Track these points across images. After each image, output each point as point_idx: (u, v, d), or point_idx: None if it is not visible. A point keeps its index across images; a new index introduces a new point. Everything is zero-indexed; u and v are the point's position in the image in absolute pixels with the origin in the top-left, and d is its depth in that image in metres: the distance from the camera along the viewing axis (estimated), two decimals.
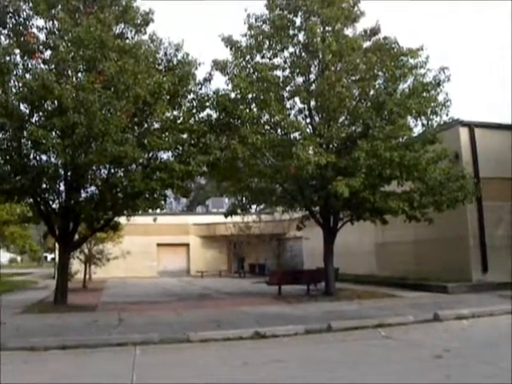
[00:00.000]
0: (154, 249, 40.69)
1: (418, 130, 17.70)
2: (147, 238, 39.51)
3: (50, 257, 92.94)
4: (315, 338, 11.00)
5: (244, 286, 26.16)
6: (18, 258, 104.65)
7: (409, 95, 16.78)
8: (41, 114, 14.29)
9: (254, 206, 21.45)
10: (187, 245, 42.13)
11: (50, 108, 14.02)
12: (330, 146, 16.79)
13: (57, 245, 17.43)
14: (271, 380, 7.46)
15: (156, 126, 16.09)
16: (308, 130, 16.68)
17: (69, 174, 15.50)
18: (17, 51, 15.11)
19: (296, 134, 16.52)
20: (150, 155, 15.56)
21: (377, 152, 14.89)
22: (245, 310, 14.99)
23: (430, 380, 7.20)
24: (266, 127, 17.08)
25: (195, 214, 51.96)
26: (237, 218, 38.87)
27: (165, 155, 16.27)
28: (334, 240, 18.81)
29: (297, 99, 18.24)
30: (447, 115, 16.68)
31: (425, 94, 17.14)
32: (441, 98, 17.09)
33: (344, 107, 16.27)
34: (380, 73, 17.59)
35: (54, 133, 13.45)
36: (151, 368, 8.36)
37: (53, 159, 14.20)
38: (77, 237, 17.86)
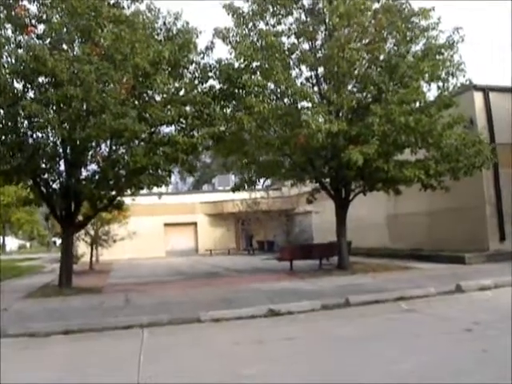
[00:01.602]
0: (162, 229, 40.16)
1: (431, 94, 16.91)
2: (154, 218, 38.99)
3: (58, 242, 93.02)
4: (333, 313, 10.40)
5: (254, 263, 25.60)
6: (28, 244, 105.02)
7: (422, 57, 15.93)
8: (35, 88, 13.53)
9: (261, 181, 20.53)
10: (195, 223, 41.58)
11: (44, 82, 13.25)
12: (340, 113, 15.99)
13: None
14: (288, 360, 6.85)
15: (157, 98, 15.36)
16: (316, 98, 15.83)
17: (68, 151, 14.82)
18: (8, 26, 14.36)
19: (304, 102, 15.73)
20: (152, 129, 14.85)
21: (391, 117, 14.10)
22: (256, 286, 14.39)
23: (465, 355, 6.56)
24: (273, 96, 16.29)
25: (202, 192, 51.31)
26: (244, 195, 38.65)
27: (168, 129, 15.64)
28: (346, 212, 18.13)
29: (303, 67, 17.46)
30: (464, 77, 15.81)
31: (438, 57, 16.30)
32: (455, 59, 16.25)
33: (354, 71, 15.46)
34: (390, 35, 16.74)
35: (49, 107, 12.72)
36: (159, 351, 7.76)
37: (50, 137, 13.49)
38: (80, 218, 17.24)
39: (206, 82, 16.30)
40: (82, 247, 26.40)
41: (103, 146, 15.53)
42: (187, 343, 8.31)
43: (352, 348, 7.34)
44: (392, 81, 15.18)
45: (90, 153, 15.11)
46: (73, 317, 10.43)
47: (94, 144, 14.94)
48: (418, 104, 15.73)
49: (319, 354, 7.12)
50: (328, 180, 18.32)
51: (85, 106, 12.57)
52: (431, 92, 16.80)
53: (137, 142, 14.57)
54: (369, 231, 27.30)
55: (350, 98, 15.22)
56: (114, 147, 15.34)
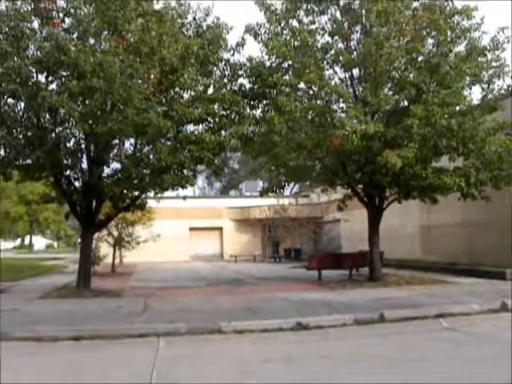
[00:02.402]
0: (187, 233, 39.56)
1: (474, 97, 15.93)
2: (179, 222, 38.41)
3: None
4: (366, 329, 9.50)
5: (280, 271, 24.76)
6: (55, 244, 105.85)
7: (464, 58, 14.99)
8: (57, 80, 12.98)
9: (291, 185, 19.73)
10: (220, 229, 40.87)
11: (66, 73, 12.68)
12: (376, 115, 15.08)
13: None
14: (322, 381, 6.02)
15: (185, 95, 14.72)
16: (351, 99, 14.92)
17: (91, 148, 14.26)
18: (35, 20, 13.91)
19: (338, 104, 14.88)
20: (178, 127, 14.16)
21: (432, 119, 13.17)
22: (282, 296, 13.56)
23: None
24: (305, 96, 15.49)
25: (228, 197, 50.66)
26: (272, 201, 37.85)
27: (194, 128, 14.94)
28: (379, 221, 17.19)
29: (337, 68, 16.63)
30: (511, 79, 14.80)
31: (481, 59, 15.34)
32: (500, 61, 15.25)
33: (393, 70, 14.55)
34: (430, 35, 15.80)
35: (70, 100, 12.11)
36: (175, 364, 7.00)
37: (72, 131, 12.90)
38: (102, 217, 16.65)
39: (236, 80, 15.59)
40: (104, 248, 25.83)
41: (127, 143, 14.97)
42: (206, 357, 7.52)
43: (395, 371, 6.45)
44: (432, 81, 14.22)
45: (114, 151, 14.55)
46: (86, 321, 9.76)
47: (117, 141, 14.39)
48: (459, 107, 14.76)
49: (359, 377, 6.25)
50: (361, 186, 17.44)
51: (108, 99, 11.93)
52: (473, 95, 15.88)
53: (162, 139, 13.89)
54: (399, 242, 26.15)
55: (387, 99, 14.33)
56: (138, 145, 14.74)
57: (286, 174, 17.70)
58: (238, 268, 28.16)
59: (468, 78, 15.15)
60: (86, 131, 12.24)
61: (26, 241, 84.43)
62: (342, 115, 13.43)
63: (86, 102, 12.10)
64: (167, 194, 31.60)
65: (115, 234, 25.90)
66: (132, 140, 14.76)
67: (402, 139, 13.83)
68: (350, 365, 6.92)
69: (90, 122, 12.03)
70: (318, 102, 15.34)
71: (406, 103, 14.88)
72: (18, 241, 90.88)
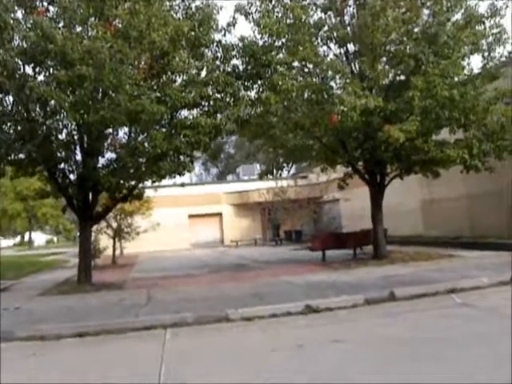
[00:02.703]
0: (186, 220, 39.27)
1: (473, 67, 15.55)
2: (178, 210, 38.10)
3: None
4: (377, 309, 9.26)
5: (282, 254, 24.50)
6: (55, 239, 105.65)
7: (462, 27, 14.59)
8: (45, 70, 12.53)
9: (289, 166, 19.36)
10: (220, 214, 40.56)
11: (53, 63, 12.23)
12: (374, 90, 14.69)
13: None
14: (340, 371, 5.74)
15: (177, 80, 14.31)
16: (348, 74, 14.51)
17: (84, 139, 13.89)
18: (19, 11, 13.44)
19: (335, 80, 14.48)
20: (172, 112, 13.76)
21: (433, 90, 12.81)
22: (288, 279, 13.30)
23: None
24: (301, 74, 15.07)
25: (226, 182, 50.29)
26: (270, 184, 37.52)
27: (188, 113, 14.55)
28: (382, 198, 16.90)
29: (331, 45, 16.20)
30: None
31: (479, 27, 14.93)
32: (499, 28, 14.84)
33: (390, 42, 14.15)
34: (426, 6, 15.38)
35: (59, 89, 11.70)
36: (184, 357, 6.74)
37: (63, 122, 12.51)
38: (99, 209, 16.32)
39: (229, 61, 15.18)
40: (104, 240, 25.53)
41: (121, 133, 14.60)
42: (215, 347, 7.26)
43: (412, 353, 6.20)
44: (431, 52, 13.82)
45: (108, 140, 14.18)
46: (89, 317, 9.47)
47: (110, 130, 14.01)
48: (460, 77, 14.39)
49: (375, 363, 5.97)
50: (361, 163, 17.13)
51: (98, 87, 11.54)
52: (473, 64, 15.49)
53: (156, 126, 13.52)
54: (401, 218, 25.92)
55: (386, 73, 13.97)
56: (132, 134, 14.38)
57: (284, 155, 17.37)
58: (239, 253, 27.91)
59: (467, 48, 14.76)
60: (77, 121, 11.84)
61: (26, 237, 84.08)
62: (340, 91, 13.01)
63: (76, 91, 11.66)
64: (164, 182, 31.44)
65: (114, 225, 25.57)
66: (126, 129, 14.41)
67: (403, 113, 13.48)
68: (365, 349, 6.66)
69: (81, 111, 11.62)
70: (314, 79, 14.93)
71: (404, 76, 14.47)
72: (18, 238, 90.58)
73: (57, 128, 12.04)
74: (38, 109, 13.09)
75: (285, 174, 52.60)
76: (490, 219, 20.45)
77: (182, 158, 13.80)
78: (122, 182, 14.27)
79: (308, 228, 37.91)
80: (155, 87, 13.22)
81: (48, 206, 58.71)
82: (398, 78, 14.65)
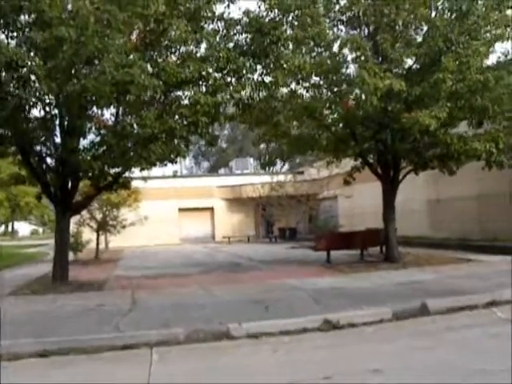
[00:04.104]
0: (176, 214, 37.48)
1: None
2: (168, 203, 36.30)
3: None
4: (409, 326, 7.65)
5: (278, 253, 22.85)
6: (40, 230, 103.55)
7: (493, 8, 12.98)
8: (17, 30, 10.64)
9: (294, 157, 17.69)
10: (211, 209, 38.79)
11: (27, 21, 10.42)
12: (395, 71, 13.05)
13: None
14: None
15: (174, 52, 12.62)
16: (369, 51, 12.79)
17: (65, 116, 12.11)
18: None
19: (354, 59, 12.79)
20: (167, 91, 12.02)
21: (466, 73, 11.20)
22: (293, 283, 11.64)
23: None
24: (314, 51, 13.37)
25: (219, 175, 48.58)
26: (265, 178, 35.83)
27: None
28: (395, 195, 15.26)
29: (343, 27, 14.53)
30: None
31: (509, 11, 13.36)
32: None
33: (416, 19, 12.51)
34: None
35: (33, 53, 9.95)
36: None
37: (37, 93, 10.65)
38: (80, 199, 14.58)
39: (232, 38, 13.46)
40: (87, 233, 23.77)
41: (107, 113, 12.87)
42: (215, 377, 5.60)
43: None
44: (461, 31, 12.21)
45: (92, 120, 12.42)
46: (58, 328, 7.72)
47: (95, 109, 12.24)
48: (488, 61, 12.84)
49: None
50: (371, 156, 15.53)
51: (79, 52, 9.74)
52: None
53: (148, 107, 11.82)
54: (405, 218, 24.23)
55: (410, 53, 12.34)
56: (120, 113, 12.67)
57: (287, 145, 15.67)
58: (232, 250, 26.20)
59: (496, 32, 13.15)
60: (53, 91, 10.02)
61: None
62: (359, 71, 11.39)
63: (53, 56, 9.87)
64: (155, 173, 29.74)
65: (98, 217, 23.77)
66: (113, 109, 12.69)
67: (428, 98, 11.85)
68: (412, 381, 5.05)
69: (59, 80, 9.85)
70: (328, 58, 13.24)
71: (428, 59, 12.79)
72: (2, 228, 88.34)
73: (28, 98, 10.19)
74: (6, 75, 11.19)
75: (279, 168, 51.10)
76: (500, 221, 19.04)
77: (176, 141, 12.07)
78: (106, 168, 12.51)
79: (303, 226, 36.36)
80: (148, 58, 11.44)
81: (32, 195, 56.59)
82: (421, 59, 12.92)
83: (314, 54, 13.23)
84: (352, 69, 13.03)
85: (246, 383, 5.38)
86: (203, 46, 12.87)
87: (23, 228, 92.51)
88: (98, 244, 23.94)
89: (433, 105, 11.62)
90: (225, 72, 12.61)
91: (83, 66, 10.10)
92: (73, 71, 10.10)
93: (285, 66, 12.40)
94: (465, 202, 21.26)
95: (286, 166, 51.93)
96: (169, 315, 8.40)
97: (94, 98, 10.51)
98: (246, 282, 12.75)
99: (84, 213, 22.84)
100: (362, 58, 12.13)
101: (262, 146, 20.38)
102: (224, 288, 11.55)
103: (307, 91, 13.90)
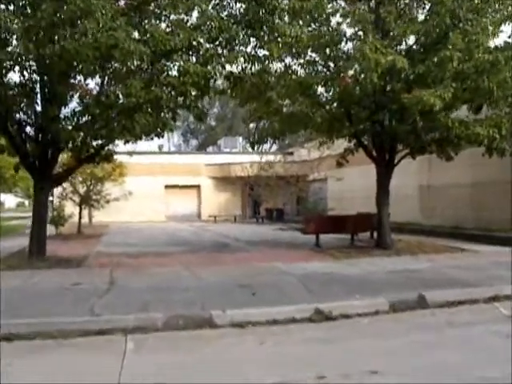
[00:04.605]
0: (162, 191, 36.78)
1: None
2: (154, 179, 35.59)
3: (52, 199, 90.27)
4: (408, 319, 7.13)
5: (265, 234, 22.31)
6: (26, 202, 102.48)
7: None
8: None
9: (287, 135, 17.00)
10: (198, 187, 38.13)
11: None
12: (397, 48, 12.39)
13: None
14: None
15: (163, 22, 11.83)
16: (371, 25, 12.09)
17: (46, 82, 11.34)
18: None
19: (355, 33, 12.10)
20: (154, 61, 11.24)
21: (475, 51, 10.57)
22: (281, 267, 11.08)
23: None
24: (312, 23, 12.64)
25: (207, 153, 47.80)
26: (253, 158, 35.18)
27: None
28: (389, 179, 14.69)
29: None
30: None
31: None
32: None
33: None
34: None
35: (8, 11, 9.15)
36: None
37: (16, 55, 9.88)
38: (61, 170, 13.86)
39: (226, 7, 12.70)
40: (69, 207, 23.07)
41: (92, 83, 12.09)
42: (194, 372, 5.03)
43: None
44: (469, 8, 11.53)
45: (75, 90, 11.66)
46: (28, 307, 7.14)
47: (79, 77, 11.47)
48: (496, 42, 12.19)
49: None
50: (366, 138, 14.93)
51: (60, 11, 8.98)
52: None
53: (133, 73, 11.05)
54: (396, 204, 23.72)
55: (415, 27, 11.66)
56: (105, 80, 11.91)
57: (280, 122, 14.98)
58: (219, 229, 25.61)
59: (506, 11, 12.49)
60: (30, 52, 9.27)
61: None
62: (359, 46, 10.73)
63: (31, 14, 9.11)
64: (140, 147, 28.97)
65: (82, 191, 23.04)
66: (98, 79, 11.92)
67: (433, 78, 11.21)
68: None
69: (36, 40, 9.09)
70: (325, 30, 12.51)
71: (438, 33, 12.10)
72: None
73: (3, 59, 9.41)
74: None
75: (268, 148, 50.45)
76: (495, 210, 18.60)
77: (162, 114, 11.35)
78: (88, 139, 11.80)
79: (290, 207, 35.87)
80: (135, 24, 10.66)
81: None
82: (426, 36, 12.21)
83: (311, 28, 12.47)
84: (350, 45, 12.33)
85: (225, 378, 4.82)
86: (195, 14, 12.15)
87: (9, 200, 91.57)
88: (80, 218, 23.26)
89: (436, 85, 10.99)
90: (217, 43, 11.91)
91: (64, 27, 9.31)
92: (53, 33, 9.29)
93: (280, 39, 11.68)
94: (458, 188, 20.79)
95: (275, 147, 51.31)
96: (148, 298, 7.82)
97: (76, 64, 9.75)
98: (232, 263, 12.19)
99: (67, 186, 22.22)
100: (363, 32, 11.43)
101: (252, 125, 19.59)
102: (209, 270, 10.98)
103: (302, 67, 13.19)
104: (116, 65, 10.14)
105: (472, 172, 19.68)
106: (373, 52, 10.37)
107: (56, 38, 9.27)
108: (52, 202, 23.71)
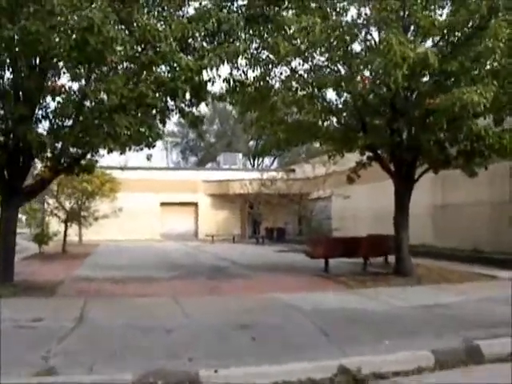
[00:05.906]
0: (157, 208, 35.03)
1: None
2: (149, 196, 33.88)
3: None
4: (459, 378, 5.39)
5: (266, 256, 20.53)
6: (23, 218, 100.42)
7: None
8: None
9: (293, 145, 15.30)
10: (195, 204, 36.40)
11: None
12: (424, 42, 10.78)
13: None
14: None
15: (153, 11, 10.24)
16: (395, 15, 10.41)
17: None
18: None
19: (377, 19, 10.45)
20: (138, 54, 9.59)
21: None
22: (287, 300, 9.30)
23: None
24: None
25: (205, 169, 46.17)
26: (253, 175, 33.54)
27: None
28: (410, 196, 13.04)
29: None
30: None
31: None
32: None
33: None
34: None
35: None
36: None
37: None
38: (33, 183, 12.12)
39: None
40: (54, 224, 21.36)
41: (66, 80, 10.41)
42: None
43: None
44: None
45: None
46: None
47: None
48: None
49: None
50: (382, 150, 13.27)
51: None
52: None
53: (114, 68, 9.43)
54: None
55: (445, 22, 10.05)
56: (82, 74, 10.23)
57: (285, 132, 13.31)
58: (216, 250, 23.80)
59: None
60: None
61: None
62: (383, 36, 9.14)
63: None
64: (137, 163, 27.46)
65: (68, 206, 21.33)
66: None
67: (467, 75, 9.56)
68: None
69: None
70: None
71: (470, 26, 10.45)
72: None
73: None
74: None
75: (268, 164, 48.92)
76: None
77: (149, 113, 9.66)
78: (64, 144, 10.11)
79: (292, 227, 34.14)
80: (118, 8, 9.01)
81: None
82: (457, 29, 10.55)
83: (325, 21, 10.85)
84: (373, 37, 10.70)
85: None
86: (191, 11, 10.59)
87: None
88: (65, 236, 21.50)
89: (471, 85, 9.34)
90: (216, 37, 10.31)
91: (27, 3, 7.66)
92: (13, 11, 7.63)
93: (288, 31, 10.11)
94: (476, 208, 19.17)
95: (276, 164, 49.88)
96: (120, 343, 6.09)
97: (44, 52, 8.09)
98: (229, 294, 10.39)
99: (51, 201, 20.66)
100: (386, 23, 9.78)
101: (253, 135, 17.97)
102: (201, 302, 9.21)
103: (311, 70, 11.58)
104: (93, 54, 8.41)
105: (490, 191, 18.12)
106: (399, 44, 8.73)
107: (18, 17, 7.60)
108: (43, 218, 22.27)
